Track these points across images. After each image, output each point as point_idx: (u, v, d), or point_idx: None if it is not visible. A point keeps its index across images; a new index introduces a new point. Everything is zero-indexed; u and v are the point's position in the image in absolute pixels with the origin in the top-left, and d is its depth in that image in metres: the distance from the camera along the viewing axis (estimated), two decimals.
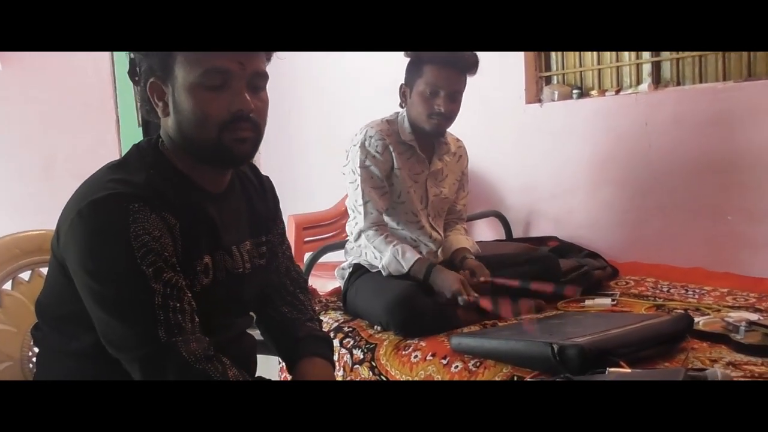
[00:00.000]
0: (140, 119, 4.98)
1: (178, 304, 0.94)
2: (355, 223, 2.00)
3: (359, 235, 1.98)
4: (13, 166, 3.06)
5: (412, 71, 1.96)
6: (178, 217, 0.99)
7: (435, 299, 1.84)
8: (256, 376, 1.20)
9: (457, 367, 1.57)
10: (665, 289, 2.14)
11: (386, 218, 2.04)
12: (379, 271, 1.95)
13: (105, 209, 0.93)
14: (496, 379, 1.48)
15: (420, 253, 1.99)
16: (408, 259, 1.90)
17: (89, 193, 0.96)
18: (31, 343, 1.21)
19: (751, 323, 1.56)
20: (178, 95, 1.02)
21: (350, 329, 1.88)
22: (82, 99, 3.26)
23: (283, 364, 1.89)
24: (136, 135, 4.70)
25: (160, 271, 0.93)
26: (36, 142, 3.11)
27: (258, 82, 1.05)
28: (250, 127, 1.04)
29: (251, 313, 1.25)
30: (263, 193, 1.25)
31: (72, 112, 3.24)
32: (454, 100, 1.94)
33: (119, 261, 0.92)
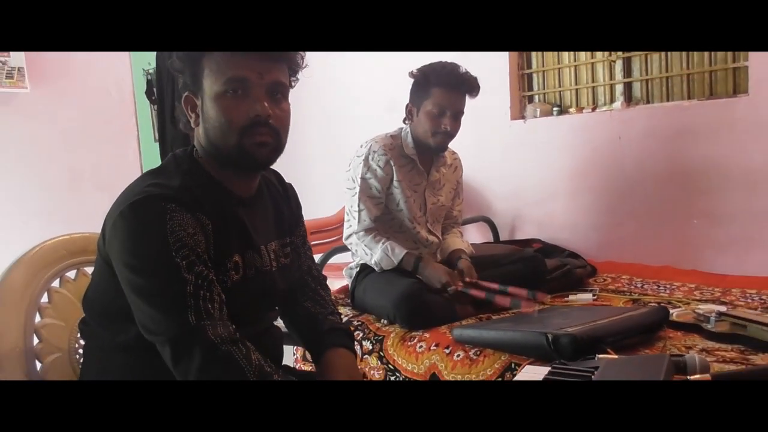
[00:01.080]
0: (155, 134, 4.98)
1: (208, 294, 0.94)
2: (348, 225, 2.03)
3: (350, 236, 2.01)
4: (42, 179, 3.04)
5: (419, 92, 1.99)
6: (211, 218, 1.00)
7: (439, 296, 1.85)
8: (282, 364, 1.21)
9: (459, 355, 1.58)
10: (639, 285, 2.17)
11: (387, 224, 2.06)
12: (385, 271, 1.96)
13: (143, 209, 0.94)
14: (495, 366, 1.50)
15: (419, 254, 2.01)
16: (397, 254, 1.93)
17: (130, 196, 0.97)
18: (78, 336, 1.21)
19: (720, 314, 1.59)
20: (206, 105, 1.03)
21: (359, 323, 1.89)
22: (104, 117, 3.25)
23: (298, 354, 1.91)
24: (153, 148, 4.68)
25: (192, 264, 0.94)
26: (62, 157, 3.10)
27: (277, 91, 1.05)
28: (268, 132, 1.04)
29: (277, 308, 1.26)
30: (287, 198, 1.26)
31: (96, 128, 3.22)
32: (457, 119, 1.97)
33: (156, 254, 0.93)
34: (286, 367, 1.02)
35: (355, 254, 2.03)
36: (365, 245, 1.97)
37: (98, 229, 1.13)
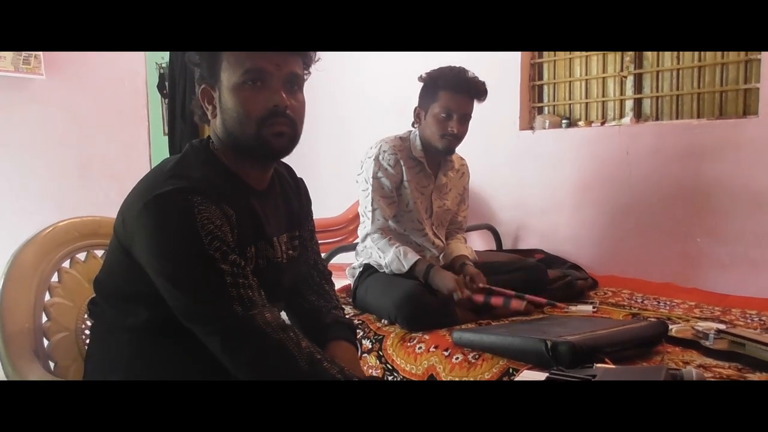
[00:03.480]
0: (165, 128, 5.01)
1: (246, 281, 0.97)
2: (363, 226, 2.05)
3: (365, 237, 2.02)
4: (53, 165, 3.06)
5: (428, 95, 2.01)
6: (234, 209, 1.02)
7: (440, 298, 1.87)
8: None
9: (457, 358, 1.60)
10: (640, 300, 2.18)
11: (394, 224, 2.08)
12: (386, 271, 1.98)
13: (171, 203, 0.95)
14: (493, 370, 1.51)
15: (423, 256, 2.03)
16: (409, 259, 1.95)
17: (154, 187, 0.98)
18: (86, 316, 1.23)
19: (719, 331, 1.60)
20: (224, 96, 1.05)
21: (360, 322, 1.91)
22: (117, 106, 3.27)
23: None
24: (162, 141, 4.72)
25: (226, 254, 0.96)
26: (74, 144, 3.12)
27: (294, 82, 1.07)
28: (286, 122, 1.06)
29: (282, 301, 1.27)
30: (298, 192, 1.28)
31: (108, 118, 3.25)
32: (464, 122, 1.99)
33: (190, 247, 0.94)
34: (332, 360, 1.03)
35: (369, 257, 2.03)
36: (379, 248, 1.99)
37: (107, 215, 1.15)
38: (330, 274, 1.37)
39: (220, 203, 1.00)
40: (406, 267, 1.93)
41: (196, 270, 0.95)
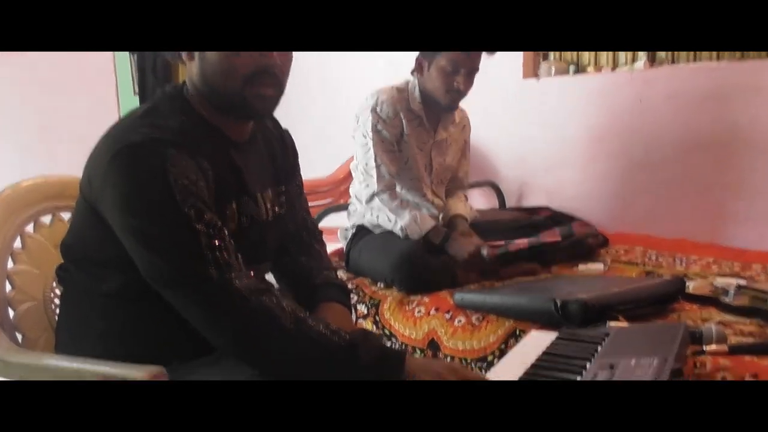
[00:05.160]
0: (135, 87, 4.93)
1: (222, 243, 0.95)
2: (365, 185, 2.01)
3: (372, 198, 1.98)
4: (12, 129, 3.02)
5: None
6: (210, 163, 1.00)
7: (441, 258, 1.86)
8: None
9: (460, 321, 1.60)
10: (654, 258, 2.18)
11: (398, 182, 2.05)
12: (383, 232, 1.97)
13: (143, 153, 0.93)
14: (499, 332, 1.52)
15: None
16: (427, 224, 1.93)
17: (124, 137, 0.95)
18: (54, 284, 1.21)
19: (740, 287, 1.60)
20: None
21: (354, 286, 1.90)
22: (80, 64, 3.21)
23: None
24: (133, 102, 4.64)
25: (201, 213, 0.94)
26: (34, 103, 3.07)
27: None
28: (272, 83, 1.04)
29: (269, 261, 1.26)
30: (283, 144, 1.26)
31: (71, 77, 3.19)
32: (471, 78, 1.95)
33: (162, 204, 0.92)
34: (315, 317, 1.02)
35: (372, 219, 2.00)
36: (390, 210, 1.96)
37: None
38: (320, 233, 1.35)
39: (195, 156, 0.98)
40: (424, 232, 1.92)
41: (167, 229, 0.93)
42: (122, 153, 0.93)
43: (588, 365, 0.99)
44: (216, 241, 0.94)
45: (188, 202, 0.93)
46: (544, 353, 1.08)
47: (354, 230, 2.06)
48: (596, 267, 2.01)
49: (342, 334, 0.96)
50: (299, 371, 0.94)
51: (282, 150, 1.25)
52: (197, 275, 0.92)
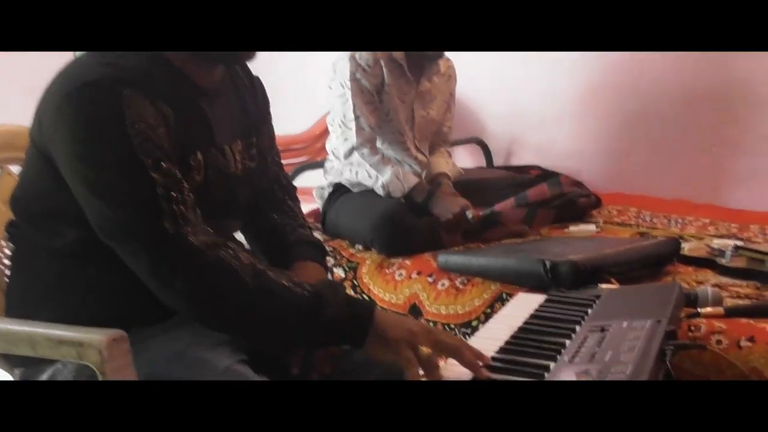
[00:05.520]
0: None
1: (179, 195, 0.92)
2: (344, 139, 1.98)
3: (351, 152, 1.96)
4: None
5: None
6: (172, 108, 0.96)
7: (423, 219, 1.85)
8: None
9: (443, 285, 1.60)
10: (648, 219, 2.20)
11: (378, 136, 2.03)
12: (363, 190, 1.95)
13: (98, 94, 0.89)
14: (484, 296, 1.52)
15: None
16: (410, 180, 1.91)
17: (78, 76, 0.92)
18: (4, 243, 1.18)
19: (737, 248, 1.61)
20: None
21: (331, 249, 1.89)
22: None
23: None
24: None
25: (158, 161, 0.91)
26: None
27: None
28: None
29: (239, 219, 1.24)
30: (254, 93, 1.22)
31: None
32: None
33: (116, 149, 0.89)
34: (276, 269, 1.00)
35: (351, 175, 1.98)
36: (370, 166, 1.94)
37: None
38: (294, 189, 1.33)
39: (157, 100, 0.94)
40: (407, 188, 1.90)
41: (121, 176, 0.89)
42: (75, 93, 0.90)
43: (578, 328, 0.99)
44: (173, 193, 0.91)
45: (145, 149, 0.90)
46: (532, 316, 1.08)
47: (331, 189, 2.04)
48: (588, 228, 2.02)
49: (305, 285, 0.94)
50: (261, 328, 0.93)
51: (252, 99, 1.21)
52: (150, 227, 0.89)
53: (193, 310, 0.92)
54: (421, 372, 0.88)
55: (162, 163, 0.91)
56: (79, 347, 0.82)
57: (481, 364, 0.87)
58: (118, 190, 0.90)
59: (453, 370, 0.87)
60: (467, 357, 0.87)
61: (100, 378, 0.80)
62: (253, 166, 1.17)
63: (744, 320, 1.23)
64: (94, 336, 0.84)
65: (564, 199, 2.17)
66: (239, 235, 1.25)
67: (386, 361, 0.91)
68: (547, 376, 0.81)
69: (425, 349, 0.89)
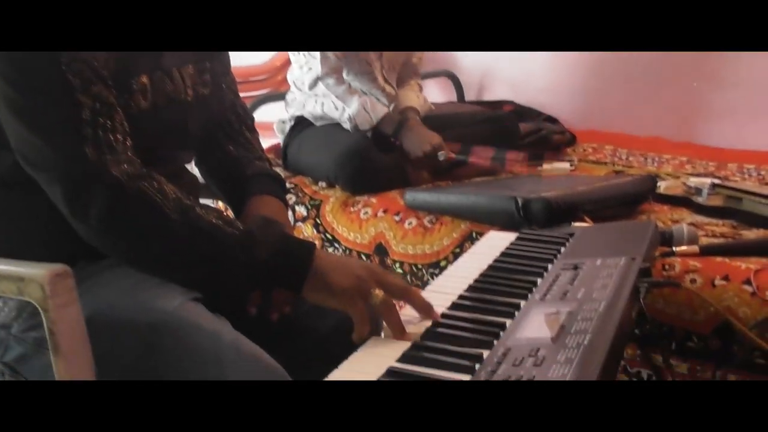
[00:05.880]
0: None
1: (108, 122, 0.88)
2: (308, 68, 1.93)
3: (315, 83, 1.92)
4: None
5: None
6: None
7: (390, 154, 1.84)
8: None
9: (411, 223, 1.60)
10: (624, 157, 2.22)
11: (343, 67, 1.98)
12: (327, 124, 1.92)
13: None
14: (454, 235, 1.52)
15: None
16: (378, 111, 1.89)
17: None
18: None
19: (714, 185, 1.64)
20: None
21: (292, 186, 1.88)
22: None
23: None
24: None
25: (88, 83, 0.87)
26: None
27: None
28: None
29: (191, 150, 1.21)
30: None
31: None
32: None
33: (41, 67, 0.85)
34: (206, 205, 0.97)
35: (319, 108, 1.94)
36: (337, 97, 1.90)
37: None
38: (252, 119, 1.30)
39: None
40: (375, 120, 1.88)
41: (44, 96, 0.86)
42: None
43: (550, 266, 1.00)
44: (101, 119, 0.87)
45: (74, 68, 0.86)
46: (503, 254, 1.08)
47: (293, 122, 2.01)
48: (562, 166, 2.03)
49: (236, 224, 0.92)
50: (188, 269, 0.91)
51: None
52: (69, 154, 0.86)
53: (109, 246, 0.90)
54: (385, 324, 0.84)
55: (93, 85, 0.87)
56: (20, 282, 0.80)
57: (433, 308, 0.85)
58: (40, 112, 0.86)
59: (411, 314, 0.85)
60: (419, 300, 0.86)
61: (42, 315, 0.78)
62: (206, 93, 1.14)
63: (719, 259, 1.26)
64: (36, 270, 0.81)
65: (537, 136, 2.18)
66: (193, 168, 1.22)
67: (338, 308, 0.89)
68: (518, 315, 0.82)
69: (379, 292, 0.86)
